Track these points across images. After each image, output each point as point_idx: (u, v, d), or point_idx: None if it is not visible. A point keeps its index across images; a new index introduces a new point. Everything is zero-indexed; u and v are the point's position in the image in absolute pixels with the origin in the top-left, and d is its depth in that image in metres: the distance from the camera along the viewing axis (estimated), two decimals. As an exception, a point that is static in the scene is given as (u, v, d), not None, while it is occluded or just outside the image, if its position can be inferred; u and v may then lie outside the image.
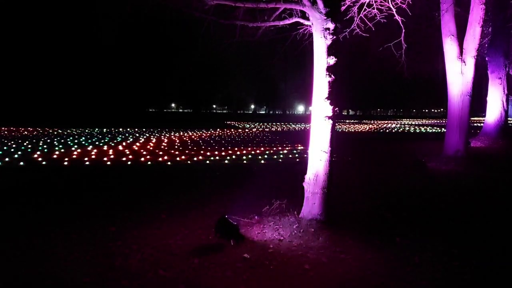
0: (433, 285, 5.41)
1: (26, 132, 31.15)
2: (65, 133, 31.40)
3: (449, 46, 15.73)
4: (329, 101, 7.21)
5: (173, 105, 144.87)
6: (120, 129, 37.22)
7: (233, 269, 5.79)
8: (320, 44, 7.29)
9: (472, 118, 65.78)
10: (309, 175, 7.61)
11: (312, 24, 7.49)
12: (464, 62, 15.39)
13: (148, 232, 7.35)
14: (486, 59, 24.06)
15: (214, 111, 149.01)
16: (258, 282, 5.42)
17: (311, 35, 7.74)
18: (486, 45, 24.54)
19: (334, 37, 7.20)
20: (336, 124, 7.67)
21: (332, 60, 7.18)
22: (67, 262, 6.01)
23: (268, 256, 6.24)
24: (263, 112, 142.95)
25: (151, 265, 5.87)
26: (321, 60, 7.26)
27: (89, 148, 20.77)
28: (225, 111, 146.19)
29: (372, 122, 68.78)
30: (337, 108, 7.35)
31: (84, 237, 7.08)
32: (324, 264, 6.00)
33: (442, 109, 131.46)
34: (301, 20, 8.27)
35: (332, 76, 7.19)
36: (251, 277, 5.55)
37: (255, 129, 42.13)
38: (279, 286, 5.36)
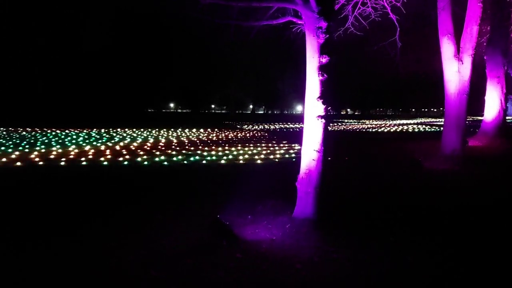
0: (425, 285, 5.38)
1: (24, 132, 31.04)
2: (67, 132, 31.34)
3: (446, 45, 15.68)
4: (321, 100, 7.18)
5: (171, 105, 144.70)
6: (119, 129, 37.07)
7: (225, 269, 5.76)
8: (313, 42, 7.27)
9: (473, 117, 65.93)
10: (302, 175, 7.59)
11: (305, 22, 7.46)
12: (461, 61, 15.33)
13: (142, 233, 7.32)
14: (484, 58, 24.02)
15: (213, 111, 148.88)
16: (250, 282, 5.38)
17: (305, 34, 7.70)
18: (485, 44, 24.52)
19: (327, 35, 7.17)
20: (334, 123, 7.63)
21: (324, 59, 7.15)
22: (60, 262, 5.98)
23: (261, 256, 6.20)
24: (262, 112, 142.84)
25: (143, 266, 5.84)
26: (314, 59, 7.24)
27: (87, 148, 20.73)
28: (223, 111, 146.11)
29: (369, 122, 68.62)
30: (330, 107, 7.32)
31: (77, 238, 7.05)
32: (316, 263, 5.97)
33: (441, 108, 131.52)
34: (294, 19, 8.23)
35: (324, 75, 7.16)
36: (243, 277, 5.52)
37: (253, 130, 42.03)
38: (270, 285, 5.33)
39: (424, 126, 49.24)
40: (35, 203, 9.60)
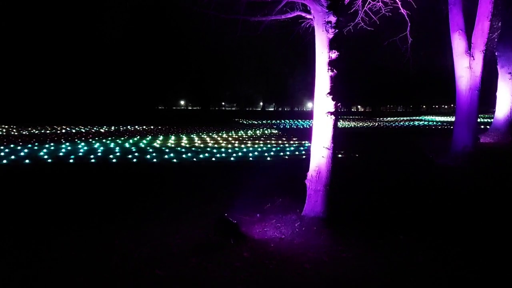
0: (437, 285, 5.26)
1: (35, 131, 31.13)
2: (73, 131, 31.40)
3: (457, 41, 15.48)
4: (331, 96, 7.05)
5: (182, 102, 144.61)
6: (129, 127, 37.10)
7: (232, 268, 5.66)
8: (322, 38, 7.13)
9: (483, 114, 65.33)
10: (311, 172, 7.45)
11: (314, 17, 7.34)
12: (472, 56, 15.13)
13: (147, 231, 7.24)
14: (496, 53, 23.71)
15: (223, 108, 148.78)
16: (256, 282, 5.28)
17: (314, 29, 7.57)
18: (496, 40, 24.20)
19: (336, 30, 7.03)
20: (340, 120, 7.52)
21: (334, 54, 7.01)
22: (63, 261, 5.91)
23: (268, 255, 6.10)
24: (272, 109, 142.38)
25: (147, 265, 5.76)
26: (323, 54, 7.10)
27: (96, 145, 20.75)
28: (233, 108, 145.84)
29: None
30: (339, 104, 7.19)
31: (81, 236, 6.99)
32: (324, 263, 5.86)
33: (452, 105, 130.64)
34: (303, 14, 8.11)
35: (334, 70, 7.03)
36: (249, 277, 5.42)
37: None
38: (277, 286, 5.22)
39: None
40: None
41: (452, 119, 63.68)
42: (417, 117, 75.55)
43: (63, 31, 64.50)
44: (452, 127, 18.65)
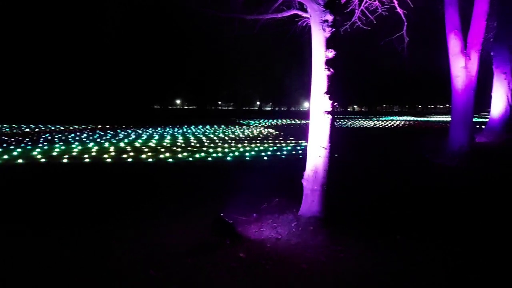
0: (436, 285, 5.22)
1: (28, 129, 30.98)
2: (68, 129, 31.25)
3: (453, 41, 15.51)
4: (328, 95, 7.00)
5: (178, 101, 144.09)
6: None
7: (228, 269, 5.61)
8: (319, 36, 7.08)
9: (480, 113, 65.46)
10: (308, 172, 7.41)
11: (310, 16, 7.29)
12: (468, 56, 15.16)
13: (143, 232, 7.18)
14: (491, 53, 23.76)
15: (220, 107, 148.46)
16: (253, 283, 5.24)
17: (310, 28, 7.52)
18: (491, 40, 24.24)
19: (333, 29, 6.98)
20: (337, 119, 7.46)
21: (331, 53, 6.97)
22: (59, 261, 5.86)
23: (265, 255, 6.05)
24: (269, 108, 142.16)
25: (143, 266, 5.70)
26: (320, 53, 7.06)
27: (90, 145, 20.64)
28: (230, 108, 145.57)
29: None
30: (336, 103, 7.14)
31: (78, 236, 6.93)
32: (322, 263, 5.82)
33: (447, 105, 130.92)
34: (299, 12, 8.06)
35: (331, 69, 6.98)
36: (245, 277, 5.37)
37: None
38: (274, 286, 5.18)
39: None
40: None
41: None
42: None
43: (60, 29, 64.20)
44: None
